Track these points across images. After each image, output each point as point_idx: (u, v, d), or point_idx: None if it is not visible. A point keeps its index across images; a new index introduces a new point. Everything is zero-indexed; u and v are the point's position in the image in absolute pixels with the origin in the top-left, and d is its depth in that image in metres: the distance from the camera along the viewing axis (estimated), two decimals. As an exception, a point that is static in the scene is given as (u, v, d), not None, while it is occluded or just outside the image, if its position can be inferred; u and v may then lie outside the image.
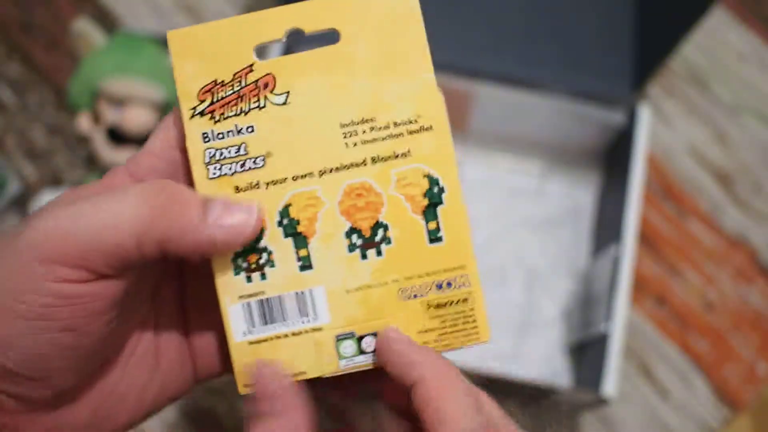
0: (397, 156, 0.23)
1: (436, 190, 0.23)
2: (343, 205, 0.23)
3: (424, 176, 0.23)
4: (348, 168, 0.23)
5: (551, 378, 0.51)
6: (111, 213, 0.19)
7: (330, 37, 0.23)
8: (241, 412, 0.51)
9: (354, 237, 0.23)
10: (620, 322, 0.44)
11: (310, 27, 0.23)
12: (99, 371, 0.22)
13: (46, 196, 0.55)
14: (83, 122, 0.56)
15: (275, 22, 0.23)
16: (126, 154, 0.54)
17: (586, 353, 0.49)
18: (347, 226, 0.23)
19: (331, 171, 0.23)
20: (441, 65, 0.52)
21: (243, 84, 0.23)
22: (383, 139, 0.23)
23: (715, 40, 0.62)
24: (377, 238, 0.23)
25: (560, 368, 0.52)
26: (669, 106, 0.60)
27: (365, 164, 0.23)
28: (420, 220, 0.23)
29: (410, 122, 0.23)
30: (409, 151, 0.23)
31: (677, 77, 0.61)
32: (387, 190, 0.23)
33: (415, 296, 0.23)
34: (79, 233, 0.19)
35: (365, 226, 0.23)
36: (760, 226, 0.56)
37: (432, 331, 0.23)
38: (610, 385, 0.43)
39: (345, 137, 0.23)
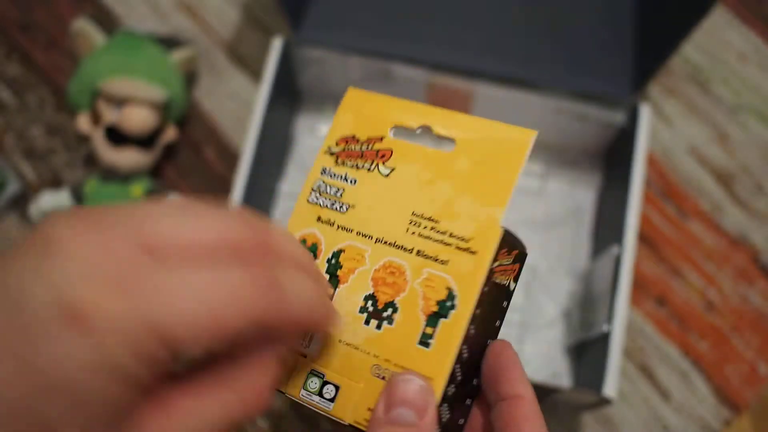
0: (437, 260, 0.25)
1: (448, 303, 0.24)
2: (377, 274, 0.26)
3: (446, 288, 0.25)
4: (397, 248, 0.26)
5: (551, 378, 0.51)
6: (218, 300, 0.19)
7: (449, 145, 0.27)
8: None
9: (369, 303, 0.26)
10: (620, 322, 0.44)
11: (438, 130, 0.27)
12: None
13: (45, 197, 0.55)
14: (83, 122, 0.56)
15: (416, 114, 0.27)
16: (125, 154, 0.54)
17: (587, 353, 0.49)
18: (370, 291, 0.26)
19: (384, 243, 0.26)
20: (441, 65, 0.52)
21: (369, 147, 0.27)
22: (436, 240, 0.25)
23: (715, 40, 0.62)
24: (384, 314, 0.25)
25: (560, 368, 0.51)
26: (669, 106, 0.60)
27: (411, 252, 0.26)
28: (423, 320, 0.25)
29: (462, 239, 0.25)
30: (448, 261, 0.25)
31: (677, 77, 0.61)
32: (414, 281, 0.25)
33: (383, 378, 0.25)
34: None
35: (382, 299, 0.25)
36: (761, 226, 0.56)
37: None
38: (610, 386, 0.43)
39: (410, 224, 0.26)
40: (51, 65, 0.62)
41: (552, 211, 0.56)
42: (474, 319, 0.24)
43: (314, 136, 0.58)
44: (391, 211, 0.26)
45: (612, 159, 0.55)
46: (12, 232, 0.56)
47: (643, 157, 0.48)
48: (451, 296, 0.24)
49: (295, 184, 0.56)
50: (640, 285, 0.54)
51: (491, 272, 0.24)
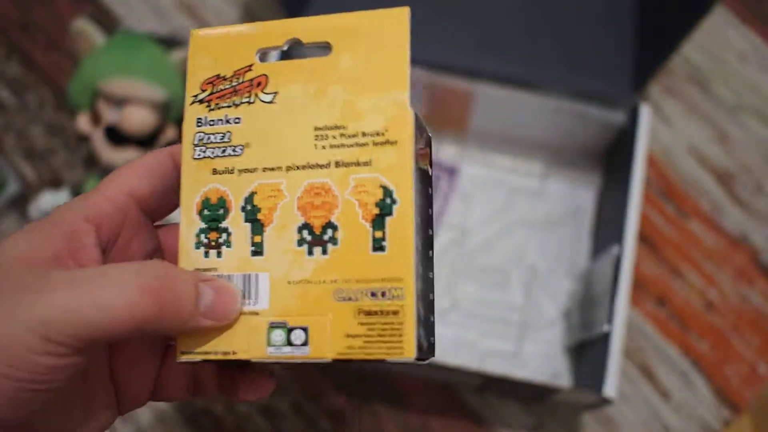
0: (359, 164, 0.24)
1: (388, 201, 0.23)
2: (302, 201, 0.24)
3: (380, 186, 0.24)
4: (312, 168, 0.24)
5: (551, 378, 0.51)
6: (110, 303, 0.21)
7: (324, 51, 0.25)
8: (240, 411, 0.51)
9: (305, 232, 0.24)
10: (620, 322, 0.44)
11: (307, 38, 0.25)
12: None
13: (45, 197, 0.55)
14: (83, 122, 0.56)
15: (279, 32, 0.26)
16: (125, 154, 0.54)
17: (587, 353, 0.49)
18: (301, 221, 0.24)
19: (297, 168, 0.24)
20: (441, 65, 0.52)
21: (240, 81, 0.25)
22: (350, 146, 0.24)
23: (715, 40, 0.62)
24: (325, 237, 0.24)
25: (560, 368, 0.51)
26: (669, 106, 0.60)
27: (328, 167, 0.24)
28: (368, 227, 0.23)
29: (377, 134, 0.24)
30: (370, 161, 0.24)
31: (677, 77, 0.61)
32: (344, 194, 0.24)
33: (349, 299, 0.23)
34: (76, 320, 0.20)
35: (317, 224, 0.24)
36: (761, 226, 0.56)
37: (358, 336, 0.23)
38: (610, 386, 0.43)
39: (316, 139, 0.24)
40: (51, 65, 0.62)
41: (552, 211, 0.56)
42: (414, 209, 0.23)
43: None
44: (290, 134, 0.25)
45: (612, 159, 0.55)
46: (12, 232, 0.56)
47: (643, 157, 0.48)
48: (388, 193, 0.23)
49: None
50: (640, 285, 0.54)
51: (414, 158, 0.24)
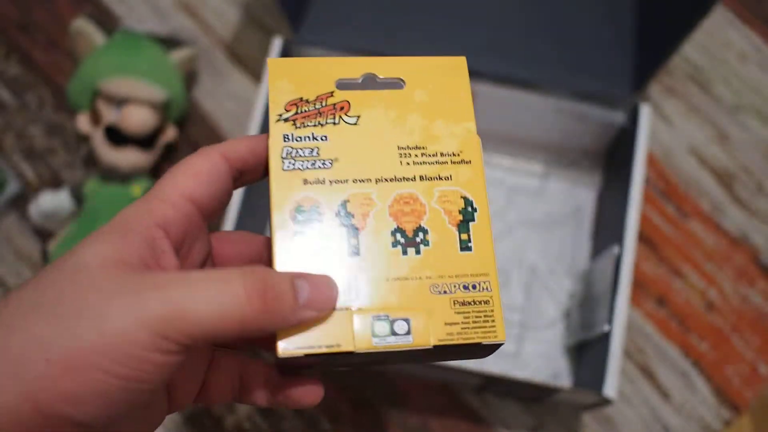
0: (440, 178, 0.28)
1: (470, 209, 0.27)
2: (392, 209, 0.27)
3: (461, 197, 0.27)
4: (399, 180, 0.27)
5: (551, 378, 0.51)
6: (221, 302, 0.22)
7: (397, 85, 0.29)
8: (240, 412, 0.51)
9: (398, 235, 0.27)
10: (620, 322, 0.44)
11: (382, 74, 0.29)
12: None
13: (44, 197, 0.55)
14: (82, 122, 0.55)
15: (355, 66, 0.29)
16: (125, 154, 0.54)
17: (587, 353, 0.49)
18: (394, 225, 0.27)
19: (385, 180, 0.27)
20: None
21: (323, 104, 0.28)
22: (431, 163, 0.28)
23: (715, 40, 0.62)
24: (417, 239, 0.27)
25: (560, 368, 0.51)
26: (669, 106, 0.60)
27: (414, 180, 0.27)
28: (454, 231, 0.27)
29: (453, 155, 0.28)
30: (450, 176, 0.28)
31: (677, 77, 0.61)
32: (430, 203, 0.27)
33: (445, 292, 0.26)
34: (191, 318, 0.21)
35: (409, 228, 0.27)
36: (761, 226, 0.56)
37: (456, 324, 0.26)
38: (610, 386, 0.43)
39: (400, 156, 0.28)
40: (51, 65, 0.62)
41: (552, 211, 0.56)
42: None
43: (314, 136, 0.58)
44: (376, 152, 0.27)
45: (612, 159, 0.55)
46: (12, 232, 0.56)
47: (643, 157, 0.48)
48: (468, 202, 0.27)
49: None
50: (640, 285, 0.54)
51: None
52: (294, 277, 0.24)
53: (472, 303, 0.26)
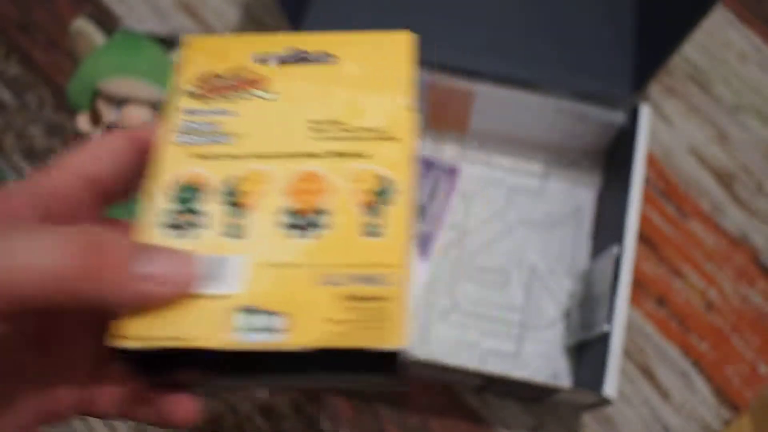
0: (357, 155, 0.24)
1: (387, 190, 0.24)
2: (292, 188, 0.24)
3: (379, 176, 0.24)
4: (305, 157, 0.25)
5: (551, 378, 0.51)
6: (35, 256, 0.19)
7: (328, 60, 0.27)
8: (240, 411, 0.51)
9: (292, 216, 0.24)
10: (620, 322, 0.44)
11: (312, 48, 0.26)
12: None
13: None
14: (82, 122, 0.55)
15: (278, 41, 0.27)
16: (125, 154, 0.54)
17: (587, 353, 0.49)
18: (289, 205, 0.24)
19: (289, 156, 0.25)
20: (441, 65, 0.52)
21: (238, 78, 0.26)
22: (348, 139, 0.25)
23: (715, 40, 0.62)
24: (315, 222, 0.23)
25: (560, 368, 0.51)
26: (669, 106, 0.60)
27: (322, 156, 0.24)
28: (363, 213, 0.23)
29: (378, 131, 0.25)
30: (370, 154, 0.24)
31: (677, 77, 0.61)
32: (338, 181, 0.24)
33: (336, 284, 0.22)
34: (4, 279, 0.18)
35: (306, 208, 0.24)
36: (761, 227, 0.56)
37: (342, 322, 0.21)
38: (610, 386, 0.43)
39: (311, 131, 0.25)
40: (51, 65, 0.62)
41: (552, 211, 0.56)
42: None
43: (314, 136, 0.58)
44: (286, 127, 0.25)
45: (612, 159, 0.55)
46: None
47: (643, 157, 0.48)
48: (387, 183, 0.24)
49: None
50: (640, 285, 0.54)
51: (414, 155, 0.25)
52: (138, 244, 0.21)
53: (369, 299, 0.22)
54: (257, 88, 0.26)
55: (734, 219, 0.56)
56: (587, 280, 0.51)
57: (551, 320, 0.53)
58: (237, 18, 0.63)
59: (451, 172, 0.57)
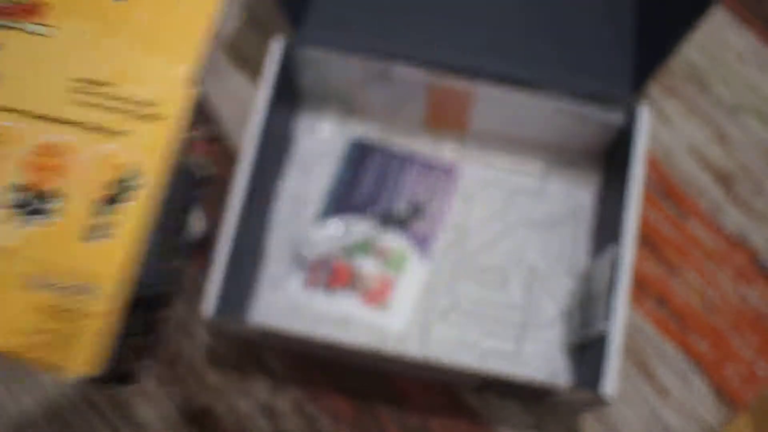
0: (115, 132, 0.20)
1: (128, 184, 0.20)
2: (33, 158, 0.20)
3: (126, 165, 0.20)
4: (60, 123, 0.20)
5: (551, 378, 0.51)
6: None
7: None
8: (240, 411, 0.51)
9: (20, 194, 0.20)
10: (620, 322, 0.44)
11: None
12: None
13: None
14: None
15: None
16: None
17: (586, 353, 0.49)
18: (20, 180, 0.20)
19: (42, 117, 0.20)
20: (441, 65, 0.52)
21: (11, 2, 0.21)
22: (111, 109, 0.20)
23: (715, 40, 0.62)
24: (44, 206, 0.20)
25: (560, 368, 0.51)
26: (669, 106, 0.60)
27: (78, 125, 0.20)
28: (97, 207, 0.20)
29: (146, 104, 0.21)
30: (128, 132, 0.20)
31: (677, 77, 0.61)
32: (85, 162, 0.20)
33: (39, 288, 0.19)
34: None
35: (40, 188, 0.20)
36: (761, 227, 0.56)
37: (31, 334, 0.18)
38: (610, 386, 0.43)
39: (73, 92, 0.20)
40: (51, 65, 0.62)
41: (552, 211, 0.56)
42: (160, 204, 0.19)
43: (314, 136, 0.58)
44: (49, 77, 0.20)
45: (612, 159, 0.55)
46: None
47: (642, 157, 0.48)
48: (131, 174, 0.20)
49: (295, 184, 0.56)
50: (640, 285, 0.54)
51: (183, 145, 0.20)
52: None
53: (67, 314, 0.19)
54: (33, 21, 0.21)
55: (733, 219, 0.56)
56: (587, 280, 0.51)
57: (551, 320, 0.53)
58: (237, 18, 0.63)
59: (451, 172, 0.57)
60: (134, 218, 0.19)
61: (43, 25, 0.21)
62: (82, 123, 0.20)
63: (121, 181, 0.20)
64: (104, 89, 0.21)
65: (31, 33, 0.21)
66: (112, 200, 0.20)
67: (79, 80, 0.20)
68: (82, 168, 0.20)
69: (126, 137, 0.20)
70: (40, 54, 0.21)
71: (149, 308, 0.19)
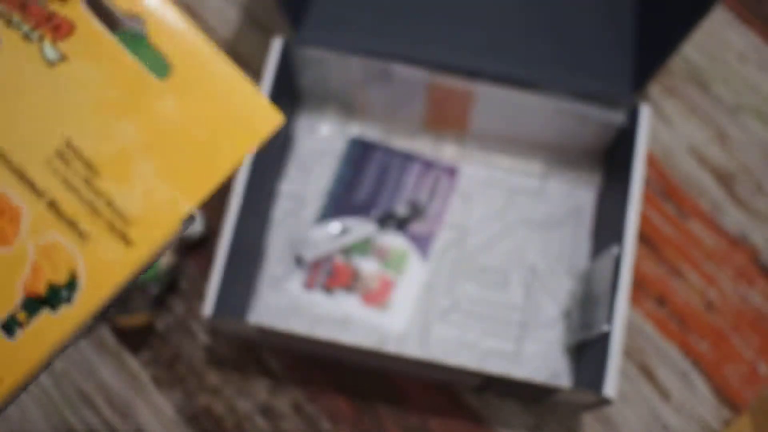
0: (74, 226, 0.17)
1: (64, 294, 0.17)
2: None
3: (70, 271, 0.17)
4: (24, 180, 0.17)
5: (551, 378, 0.51)
6: None
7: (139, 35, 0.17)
8: (240, 411, 0.51)
9: None
10: (620, 322, 0.44)
11: (157, 41, 0.18)
12: None
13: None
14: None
15: None
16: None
17: (586, 353, 0.49)
18: None
19: (7, 161, 0.17)
20: (441, 65, 0.52)
21: (41, 7, 0.17)
22: (83, 199, 0.17)
23: (715, 40, 0.62)
24: None
25: (560, 368, 0.51)
26: (669, 106, 0.60)
27: (41, 196, 0.17)
28: (19, 297, 0.17)
29: (121, 217, 0.17)
30: (88, 236, 0.17)
31: (677, 77, 0.61)
32: (29, 239, 0.17)
33: None
34: None
35: None
36: (761, 227, 0.56)
37: None
38: (610, 386, 0.43)
39: (56, 155, 0.17)
40: None
41: (552, 211, 0.56)
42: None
43: (314, 136, 0.58)
44: (39, 118, 0.17)
45: (612, 159, 0.55)
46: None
47: (643, 157, 0.48)
48: (71, 285, 0.17)
49: (295, 184, 0.56)
50: (640, 285, 0.54)
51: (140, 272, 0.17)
52: None
53: None
54: (53, 37, 0.17)
55: (734, 219, 0.56)
56: (587, 280, 0.51)
57: (551, 320, 0.53)
58: (237, 18, 0.63)
59: (451, 172, 0.57)
60: (50, 332, 0.17)
61: (56, 47, 0.17)
62: (48, 196, 0.17)
63: (56, 286, 0.17)
64: (89, 172, 0.17)
65: (41, 52, 0.17)
66: (39, 302, 0.17)
67: (69, 145, 0.17)
68: (23, 245, 0.17)
69: (84, 240, 0.17)
70: (39, 83, 0.17)
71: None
